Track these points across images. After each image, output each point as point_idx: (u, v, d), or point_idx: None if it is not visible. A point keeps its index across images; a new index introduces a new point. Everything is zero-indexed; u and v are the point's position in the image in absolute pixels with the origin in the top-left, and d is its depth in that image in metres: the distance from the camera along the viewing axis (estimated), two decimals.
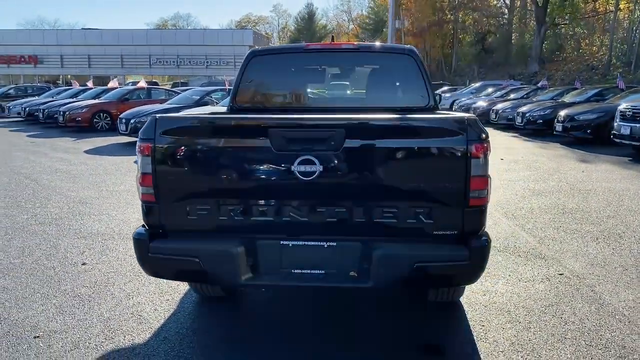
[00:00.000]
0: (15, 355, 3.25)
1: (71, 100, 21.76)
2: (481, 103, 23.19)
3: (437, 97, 5.95)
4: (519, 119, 17.92)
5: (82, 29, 51.31)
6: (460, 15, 50.40)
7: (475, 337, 3.50)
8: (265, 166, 2.95)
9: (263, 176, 2.96)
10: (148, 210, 3.05)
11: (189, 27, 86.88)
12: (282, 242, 2.99)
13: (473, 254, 2.87)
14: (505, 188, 8.60)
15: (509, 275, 4.66)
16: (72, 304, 4.05)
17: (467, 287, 4.23)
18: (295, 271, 2.99)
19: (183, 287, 4.30)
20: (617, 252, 5.27)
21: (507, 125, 19.02)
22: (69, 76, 48.06)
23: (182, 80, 44.97)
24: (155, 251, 3.00)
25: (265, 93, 4.68)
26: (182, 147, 2.98)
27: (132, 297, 4.17)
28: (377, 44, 4.90)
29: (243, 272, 2.93)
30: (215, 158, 3.00)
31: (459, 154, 2.84)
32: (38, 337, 3.49)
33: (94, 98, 21.37)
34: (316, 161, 2.85)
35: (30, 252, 5.35)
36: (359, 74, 4.78)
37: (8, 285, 4.44)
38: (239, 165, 2.99)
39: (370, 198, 2.93)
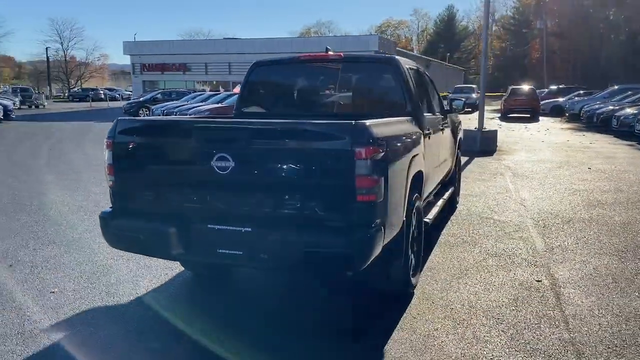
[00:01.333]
0: None
1: (199, 104, 24.12)
2: (608, 108, 21.55)
3: (448, 102, 6.11)
4: (638, 126, 16.50)
5: (224, 38, 55.69)
6: (611, 12, 46.46)
7: (398, 326, 3.77)
8: (190, 161, 3.58)
9: (189, 170, 3.60)
10: (111, 195, 3.83)
11: (330, 34, 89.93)
12: (209, 225, 3.57)
13: (355, 243, 3.22)
14: (570, 195, 8.31)
15: (483, 278, 4.75)
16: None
17: (432, 285, 4.48)
18: (220, 251, 3.54)
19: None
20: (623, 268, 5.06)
21: (629, 133, 17.55)
22: (214, 82, 52.48)
23: None
24: (114, 227, 3.75)
25: (265, 99, 5.29)
26: (131, 144, 3.71)
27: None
28: (363, 54, 5.26)
29: (174, 248, 3.56)
30: (154, 154, 3.70)
31: (345, 156, 3.21)
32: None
33: (219, 102, 23.46)
34: (230, 158, 3.39)
35: None
36: (344, 82, 5.19)
37: None
38: (171, 161, 3.66)
39: (275, 191, 3.40)
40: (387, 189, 3.39)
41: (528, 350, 3.43)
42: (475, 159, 12.66)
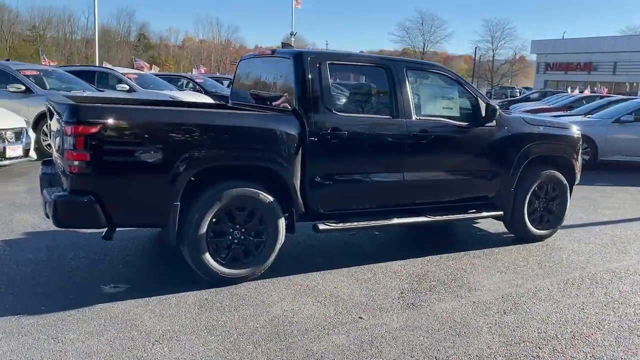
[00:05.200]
0: None
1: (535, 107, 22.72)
2: None
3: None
4: None
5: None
6: None
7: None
8: None
9: None
10: None
11: None
12: None
13: (53, 204, 3.86)
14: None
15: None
16: None
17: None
18: None
19: None
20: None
21: None
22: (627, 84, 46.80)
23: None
24: None
25: (237, 91, 5.81)
26: None
27: None
28: (288, 50, 5.03)
29: None
30: None
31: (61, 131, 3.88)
32: None
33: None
34: None
35: None
36: (269, 75, 5.18)
37: None
38: None
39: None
40: (106, 167, 3.84)
41: None
42: None
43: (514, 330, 3.80)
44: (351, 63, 5.17)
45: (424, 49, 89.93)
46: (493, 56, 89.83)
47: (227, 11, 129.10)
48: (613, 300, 4.41)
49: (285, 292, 4.31)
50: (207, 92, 16.34)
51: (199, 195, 4.21)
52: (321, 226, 4.70)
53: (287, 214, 4.56)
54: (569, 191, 6.07)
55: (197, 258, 4.21)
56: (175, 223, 4.11)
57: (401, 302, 4.22)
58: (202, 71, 30.08)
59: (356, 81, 5.41)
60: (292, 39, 49.51)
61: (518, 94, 61.63)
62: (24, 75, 11.01)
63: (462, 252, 5.50)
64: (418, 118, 5.07)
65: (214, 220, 4.24)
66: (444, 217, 5.37)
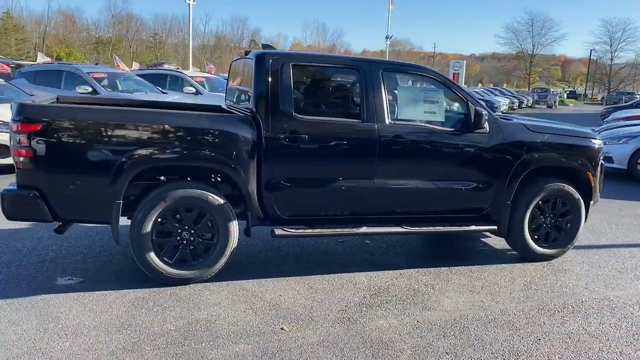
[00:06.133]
0: None
1: None
2: None
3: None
4: None
5: None
6: None
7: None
8: None
9: None
10: None
11: None
12: None
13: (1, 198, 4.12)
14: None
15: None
16: None
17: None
18: None
19: None
20: None
21: None
22: None
23: None
24: None
25: (229, 91, 5.84)
26: None
27: None
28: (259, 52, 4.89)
29: None
30: None
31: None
32: None
33: None
34: None
35: None
36: (245, 77, 5.08)
37: None
38: None
39: None
40: (49, 163, 4.02)
41: None
42: None
43: (440, 356, 3.46)
44: (319, 64, 4.99)
45: (533, 52, 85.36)
46: (612, 59, 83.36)
47: (334, 17, 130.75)
48: (584, 333, 3.87)
49: (225, 297, 4.25)
50: None
51: (146, 194, 4.28)
52: (277, 231, 4.59)
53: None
54: (583, 208, 5.42)
55: (141, 256, 4.27)
56: (118, 221, 4.20)
57: (338, 315, 4.00)
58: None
59: (329, 84, 5.20)
60: (387, 42, 49.31)
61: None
62: (93, 77, 11.88)
63: (445, 267, 5.11)
64: (392, 122, 4.79)
65: (159, 220, 4.28)
66: (425, 229, 5.02)
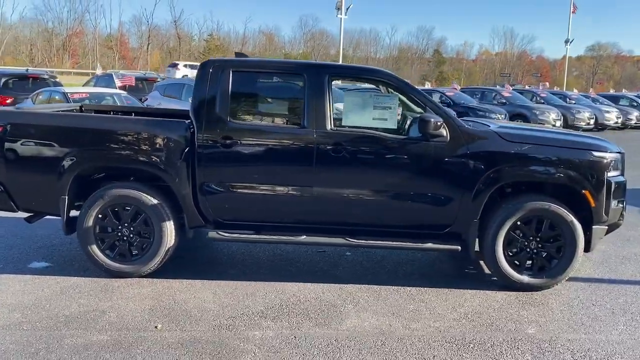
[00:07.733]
0: None
1: None
2: None
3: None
4: None
5: None
6: None
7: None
8: None
9: None
10: None
11: None
12: None
13: None
14: None
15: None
16: None
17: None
18: None
19: None
20: None
21: None
22: None
23: None
24: None
25: None
26: None
27: None
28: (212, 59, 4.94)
29: None
30: None
31: None
32: None
33: None
34: None
35: None
36: None
37: None
38: None
39: None
40: (8, 160, 4.67)
41: None
42: None
43: None
44: (263, 70, 4.96)
45: None
46: None
47: (523, 21, 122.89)
48: None
49: (142, 293, 4.47)
50: (455, 104, 17.84)
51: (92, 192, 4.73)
52: (210, 234, 4.70)
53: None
54: (580, 233, 4.54)
55: (85, 248, 4.71)
56: (64, 214, 4.71)
57: (222, 321, 3.97)
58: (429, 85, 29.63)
59: (272, 90, 5.12)
60: (567, 46, 45.51)
61: None
62: None
63: (414, 288, 4.70)
64: (334, 129, 4.60)
65: (99, 216, 4.69)
66: (373, 243, 4.70)
